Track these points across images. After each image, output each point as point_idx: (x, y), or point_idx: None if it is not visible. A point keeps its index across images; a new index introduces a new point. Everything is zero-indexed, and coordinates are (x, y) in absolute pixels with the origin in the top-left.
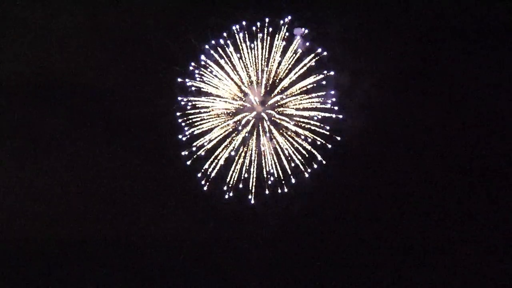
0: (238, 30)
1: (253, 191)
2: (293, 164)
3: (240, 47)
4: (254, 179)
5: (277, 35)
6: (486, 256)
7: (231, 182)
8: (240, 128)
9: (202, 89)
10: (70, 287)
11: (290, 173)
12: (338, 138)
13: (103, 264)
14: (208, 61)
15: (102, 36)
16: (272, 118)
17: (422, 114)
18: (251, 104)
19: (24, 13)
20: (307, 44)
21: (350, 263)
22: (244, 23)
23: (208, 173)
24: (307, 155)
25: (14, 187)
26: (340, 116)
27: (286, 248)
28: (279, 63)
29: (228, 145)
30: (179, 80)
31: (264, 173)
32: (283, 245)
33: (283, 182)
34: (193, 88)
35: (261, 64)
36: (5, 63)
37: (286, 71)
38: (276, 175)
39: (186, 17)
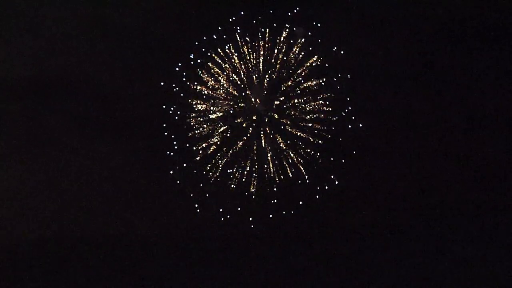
0: (238, 23)
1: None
2: (300, 181)
3: (240, 43)
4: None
5: (283, 32)
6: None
7: (228, 202)
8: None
9: (201, 91)
10: (71, 286)
11: (297, 191)
12: (354, 152)
13: (104, 264)
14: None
15: (105, 35)
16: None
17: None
18: (251, 106)
19: (25, 11)
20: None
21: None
22: (242, 13)
23: (203, 191)
24: (317, 173)
25: (15, 187)
26: (360, 125)
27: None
28: (283, 62)
29: (225, 156)
30: (162, 84)
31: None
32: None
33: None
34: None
35: (262, 63)
36: (5, 62)
37: (290, 70)
38: (280, 194)
39: (189, 13)
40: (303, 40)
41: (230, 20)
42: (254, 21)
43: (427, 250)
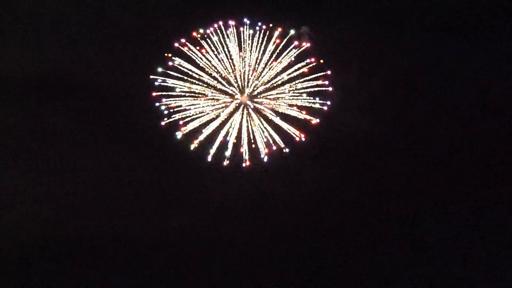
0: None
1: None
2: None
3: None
4: None
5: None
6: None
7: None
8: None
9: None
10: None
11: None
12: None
13: (105, 263)
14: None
15: (105, 34)
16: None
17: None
18: (237, 93)
19: (26, 10)
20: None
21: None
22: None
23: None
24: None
25: (15, 187)
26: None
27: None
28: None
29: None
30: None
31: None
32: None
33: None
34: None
35: (256, 60)
36: (6, 62)
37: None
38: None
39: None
40: (307, 39)
41: (230, 19)
42: (250, 22)
43: (430, 251)
